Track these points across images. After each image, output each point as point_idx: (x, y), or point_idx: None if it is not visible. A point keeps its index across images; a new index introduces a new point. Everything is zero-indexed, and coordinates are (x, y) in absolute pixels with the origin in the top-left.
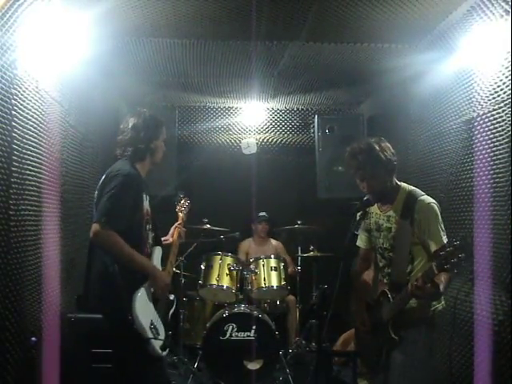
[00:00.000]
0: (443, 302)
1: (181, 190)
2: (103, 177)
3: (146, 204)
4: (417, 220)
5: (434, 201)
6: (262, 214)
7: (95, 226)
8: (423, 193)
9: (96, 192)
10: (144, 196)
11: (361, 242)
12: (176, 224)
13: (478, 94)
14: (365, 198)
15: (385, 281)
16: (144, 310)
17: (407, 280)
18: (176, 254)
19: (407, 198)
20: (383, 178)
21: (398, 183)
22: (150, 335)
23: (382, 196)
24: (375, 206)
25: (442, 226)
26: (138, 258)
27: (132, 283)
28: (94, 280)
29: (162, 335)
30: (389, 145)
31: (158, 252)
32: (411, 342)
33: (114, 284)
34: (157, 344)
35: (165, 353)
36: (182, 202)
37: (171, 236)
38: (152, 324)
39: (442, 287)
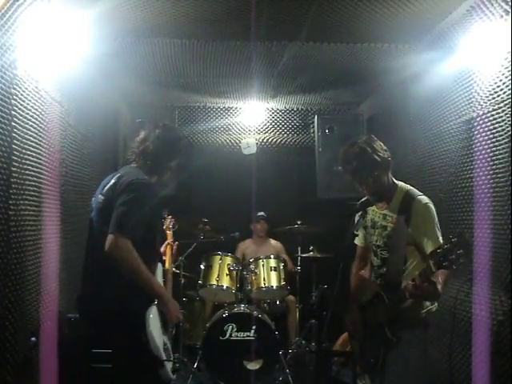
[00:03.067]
0: (436, 304)
1: (165, 208)
2: (113, 182)
3: (159, 218)
4: (413, 220)
5: (430, 201)
6: (261, 213)
7: (112, 237)
8: (420, 193)
9: (100, 196)
10: (160, 210)
11: (358, 239)
12: (168, 241)
13: (478, 93)
14: (364, 199)
15: (378, 281)
16: (157, 329)
17: (401, 281)
18: (171, 278)
19: (404, 197)
20: (381, 178)
21: (396, 182)
22: (164, 357)
23: (382, 195)
24: None
25: (438, 226)
26: (153, 280)
27: (143, 300)
28: (102, 292)
29: (171, 357)
30: (380, 143)
31: (159, 269)
32: (407, 343)
33: (126, 299)
34: (169, 367)
35: (174, 376)
36: (168, 220)
37: (163, 254)
38: (165, 344)
39: (440, 287)
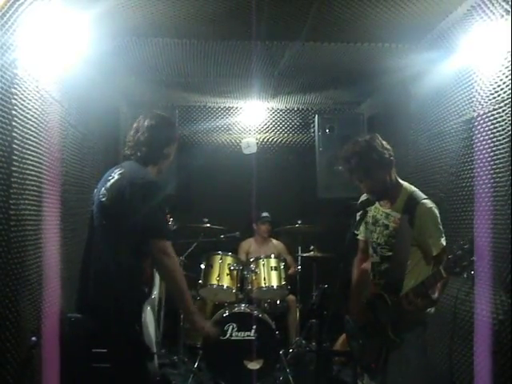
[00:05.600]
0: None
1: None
2: (116, 177)
3: None
4: (417, 223)
5: (434, 205)
6: (265, 214)
7: (163, 244)
8: (425, 196)
9: (103, 190)
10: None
11: (359, 234)
12: None
13: (478, 93)
14: (364, 198)
15: (376, 280)
16: (151, 322)
17: (403, 281)
18: None
19: (409, 199)
20: (381, 176)
21: (400, 181)
22: (155, 350)
23: (383, 194)
24: None
25: (442, 229)
26: (188, 293)
27: (141, 292)
28: (100, 284)
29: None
30: (382, 142)
31: None
32: (407, 343)
33: (124, 290)
34: (156, 361)
35: (159, 371)
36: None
37: None
38: (157, 338)
39: (437, 294)
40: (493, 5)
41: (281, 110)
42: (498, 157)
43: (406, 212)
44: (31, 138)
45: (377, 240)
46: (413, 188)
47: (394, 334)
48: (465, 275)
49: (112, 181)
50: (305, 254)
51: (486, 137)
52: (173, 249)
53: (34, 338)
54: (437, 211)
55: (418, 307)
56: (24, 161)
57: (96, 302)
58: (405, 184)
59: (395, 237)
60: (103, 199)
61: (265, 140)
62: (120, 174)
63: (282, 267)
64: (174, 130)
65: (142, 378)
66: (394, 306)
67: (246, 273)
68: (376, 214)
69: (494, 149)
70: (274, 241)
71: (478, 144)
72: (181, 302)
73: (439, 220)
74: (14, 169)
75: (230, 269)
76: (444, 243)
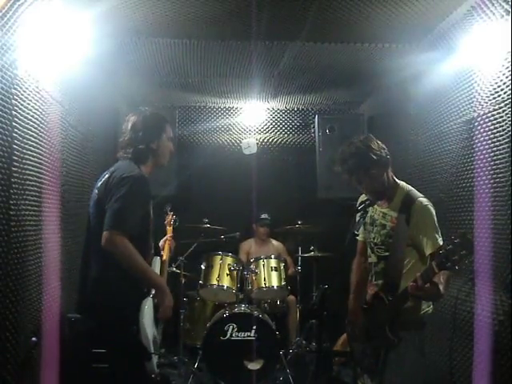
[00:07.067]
0: (432, 306)
1: (168, 203)
2: (106, 176)
3: (151, 210)
4: (414, 222)
5: (430, 203)
6: (264, 216)
7: (108, 234)
8: (421, 194)
9: (96, 191)
10: (151, 202)
11: (359, 234)
12: (166, 237)
13: (479, 94)
14: (364, 198)
15: (374, 281)
16: (149, 321)
17: (400, 281)
18: (166, 271)
19: (405, 198)
20: (380, 176)
21: (397, 181)
22: (153, 350)
23: (382, 194)
24: None
25: (438, 227)
26: (151, 272)
27: (139, 292)
28: (98, 284)
29: (158, 351)
30: (378, 142)
31: (157, 263)
32: (407, 344)
33: (121, 290)
34: (155, 361)
35: (158, 370)
36: (170, 216)
37: (162, 250)
38: (154, 338)
39: (442, 287)
40: (493, 5)
41: (281, 111)
42: (498, 157)
43: (402, 211)
44: (31, 138)
45: (374, 240)
46: (409, 187)
47: (392, 334)
48: (456, 267)
49: (102, 180)
50: (305, 255)
51: (486, 137)
52: (121, 239)
53: (33, 339)
54: (432, 209)
55: (423, 296)
56: (24, 161)
57: (94, 301)
58: (401, 183)
59: (392, 236)
60: (95, 199)
61: (265, 140)
62: (110, 172)
63: (282, 268)
64: (159, 123)
65: (140, 379)
66: (392, 306)
67: (246, 273)
68: (373, 214)
69: (494, 149)
70: (274, 241)
71: (478, 144)
72: (146, 282)
73: (435, 218)
74: (14, 169)
75: (230, 269)
76: (440, 242)
